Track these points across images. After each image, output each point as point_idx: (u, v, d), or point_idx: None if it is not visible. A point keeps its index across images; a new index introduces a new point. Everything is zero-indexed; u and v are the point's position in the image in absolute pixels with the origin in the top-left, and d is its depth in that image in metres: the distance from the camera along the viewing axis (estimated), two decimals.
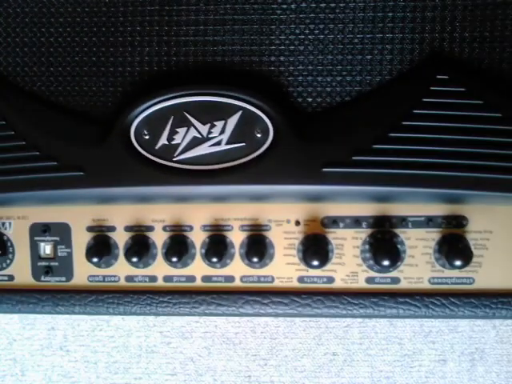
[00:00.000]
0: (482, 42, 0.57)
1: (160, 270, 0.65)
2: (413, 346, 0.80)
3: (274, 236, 0.63)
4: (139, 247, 0.63)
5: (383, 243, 0.61)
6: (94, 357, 0.84)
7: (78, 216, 0.65)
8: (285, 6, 0.59)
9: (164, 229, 0.64)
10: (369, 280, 0.63)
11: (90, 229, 0.65)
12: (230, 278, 0.64)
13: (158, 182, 0.58)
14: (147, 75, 0.61)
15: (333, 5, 0.58)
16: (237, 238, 0.64)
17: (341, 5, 0.58)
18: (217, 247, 0.62)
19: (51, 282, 0.66)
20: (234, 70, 0.60)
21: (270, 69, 0.60)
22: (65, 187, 0.60)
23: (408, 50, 0.58)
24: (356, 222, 0.62)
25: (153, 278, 0.65)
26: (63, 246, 0.66)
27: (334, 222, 0.63)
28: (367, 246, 0.62)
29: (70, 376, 0.85)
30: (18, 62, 0.62)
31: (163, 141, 0.59)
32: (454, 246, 0.59)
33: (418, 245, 0.62)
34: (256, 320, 0.82)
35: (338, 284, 0.63)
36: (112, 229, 0.65)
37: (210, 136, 0.58)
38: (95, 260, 0.62)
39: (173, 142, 0.59)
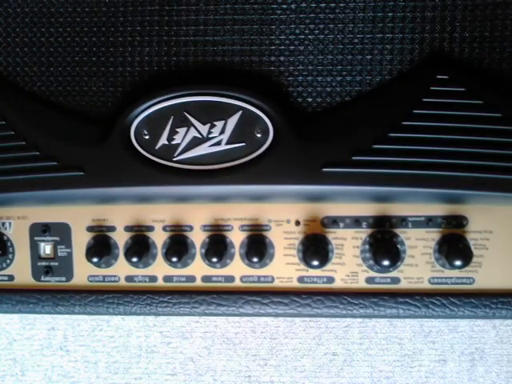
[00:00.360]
0: (481, 42, 0.57)
1: (160, 269, 0.65)
2: (413, 346, 0.80)
3: (274, 236, 0.63)
4: (139, 247, 0.63)
5: (383, 243, 0.61)
6: (94, 357, 0.84)
7: (78, 216, 0.65)
8: (285, 6, 0.59)
9: (164, 229, 0.64)
10: (369, 280, 0.63)
11: (89, 229, 0.65)
12: (230, 278, 0.64)
13: (158, 182, 0.58)
14: (147, 75, 0.61)
15: (333, 5, 0.58)
16: (237, 237, 0.64)
17: (341, 5, 0.58)
18: (217, 247, 0.62)
19: (51, 282, 0.66)
20: (234, 70, 0.60)
21: (270, 69, 0.60)
22: (65, 187, 0.60)
23: (408, 50, 0.58)
24: (356, 222, 0.62)
25: (153, 278, 0.65)
26: (63, 246, 0.66)
27: (334, 222, 0.63)
28: (367, 246, 0.62)
29: (70, 376, 0.85)
30: (18, 62, 0.62)
31: (163, 141, 0.59)
32: (454, 246, 0.59)
33: (418, 245, 0.62)
34: (256, 320, 0.82)
35: (338, 284, 0.63)
36: (112, 229, 0.65)
37: (210, 136, 0.58)
38: (95, 260, 0.62)
39: (173, 142, 0.59)
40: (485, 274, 0.62)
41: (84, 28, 0.61)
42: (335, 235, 0.63)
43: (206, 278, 0.65)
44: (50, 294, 0.66)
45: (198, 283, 0.65)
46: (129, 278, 0.65)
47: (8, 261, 0.67)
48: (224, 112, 0.58)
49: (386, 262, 0.58)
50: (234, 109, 0.58)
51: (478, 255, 0.61)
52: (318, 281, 0.63)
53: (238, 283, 0.64)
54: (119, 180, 0.59)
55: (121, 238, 0.65)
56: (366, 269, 0.63)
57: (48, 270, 0.66)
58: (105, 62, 0.61)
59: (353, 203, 0.62)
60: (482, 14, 0.57)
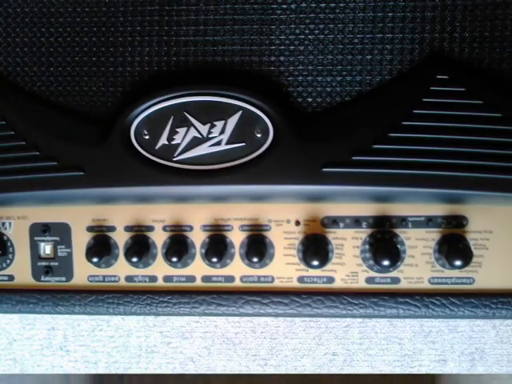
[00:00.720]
0: (481, 42, 0.57)
1: (160, 269, 0.65)
2: (413, 346, 0.80)
3: (274, 236, 0.63)
4: (139, 247, 0.63)
5: (383, 243, 0.61)
6: (93, 357, 0.84)
7: (78, 216, 0.65)
8: (285, 6, 0.59)
9: (164, 229, 0.64)
10: (369, 280, 0.63)
11: (90, 229, 0.65)
12: (230, 278, 0.64)
13: (158, 182, 0.58)
14: (147, 75, 0.61)
15: (333, 5, 0.58)
16: (237, 238, 0.64)
17: (341, 5, 0.58)
18: (217, 247, 0.62)
19: (51, 282, 0.66)
20: (234, 70, 0.60)
21: (270, 69, 0.60)
22: (65, 187, 0.60)
23: (408, 50, 0.58)
24: (356, 222, 0.62)
25: (153, 278, 0.65)
26: (63, 246, 0.66)
27: (334, 222, 0.63)
28: (367, 246, 0.62)
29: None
30: (18, 62, 0.62)
31: (163, 141, 0.59)
32: (454, 246, 0.59)
33: (418, 245, 0.62)
34: (256, 320, 0.82)
35: (338, 284, 0.63)
36: (112, 229, 0.65)
37: (210, 136, 0.58)
38: (95, 260, 0.62)
39: (173, 142, 0.59)
40: (485, 273, 0.62)
41: (84, 28, 0.61)
42: (335, 235, 0.63)
43: (205, 278, 0.65)
44: (50, 293, 0.66)
45: (198, 283, 0.65)
46: (129, 278, 0.65)
47: (8, 261, 0.67)
48: (224, 112, 0.58)
49: (386, 262, 0.58)
50: (234, 109, 0.58)
51: (478, 255, 0.61)
52: (318, 281, 0.63)
53: (238, 283, 0.64)
54: (119, 180, 0.59)
55: (121, 238, 0.65)
56: (365, 269, 0.63)
57: (48, 270, 0.66)
58: (105, 61, 0.61)
59: (353, 203, 0.62)
60: (482, 14, 0.57)
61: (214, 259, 0.61)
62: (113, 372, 0.84)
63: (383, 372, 0.81)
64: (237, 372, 0.82)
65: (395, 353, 0.81)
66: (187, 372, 0.83)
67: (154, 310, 0.65)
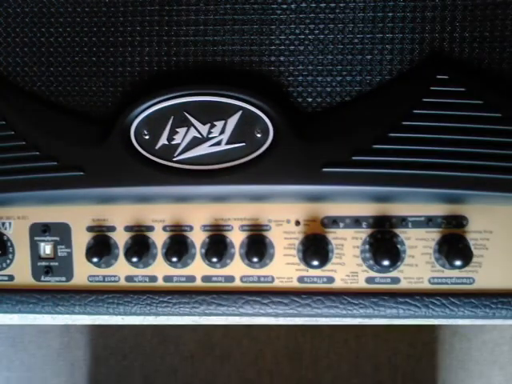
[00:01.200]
0: (482, 42, 0.57)
1: (160, 269, 0.65)
2: None
3: (274, 236, 0.63)
4: (139, 247, 0.63)
5: (383, 243, 0.61)
6: None
7: (78, 216, 0.65)
8: (285, 6, 0.59)
9: (164, 229, 0.64)
10: (369, 280, 0.63)
11: (89, 229, 0.65)
12: (230, 278, 0.64)
13: (158, 182, 0.58)
14: (147, 75, 0.61)
15: (333, 5, 0.58)
16: (237, 238, 0.64)
17: (341, 5, 0.58)
18: (217, 247, 0.62)
19: (51, 282, 0.66)
20: (234, 70, 0.60)
21: (270, 69, 0.60)
22: (65, 187, 0.60)
23: (408, 50, 0.58)
24: (356, 222, 0.62)
25: (153, 278, 0.65)
26: (63, 246, 0.66)
27: (334, 221, 0.63)
28: (367, 246, 0.62)
29: None
30: (18, 62, 0.62)
31: (163, 141, 0.59)
32: (454, 246, 0.59)
33: (418, 245, 0.62)
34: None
35: (338, 284, 0.63)
36: (112, 229, 0.65)
37: (210, 136, 0.58)
38: (95, 260, 0.62)
39: (173, 142, 0.59)
40: (485, 273, 0.62)
41: (84, 28, 0.61)
42: (335, 235, 0.63)
43: (205, 278, 0.65)
44: (50, 294, 0.66)
45: (198, 283, 0.65)
46: (129, 278, 0.65)
47: (8, 261, 0.67)
48: (224, 112, 0.58)
49: (386, 262, 0.58)
50: (234, 109, 0.58)
51: (478, 255, 0.61)
52: (318, 281, 0.63)
53: (238, 283, 0.64)
54: (119, 180, 0.59)
55: (121, 238, 0.65)
56: (365, 269, 0.63)
57: (48, 270, 0.66)
58: (105, 61, 0.61)
59: (353, 203, 0.62)
60: (482, 14, 0.57)
61: (214, 259, 0.61)
62: (113, 323, 0.84)
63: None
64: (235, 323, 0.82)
65: None
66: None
67: (154, 310, 0.65)
